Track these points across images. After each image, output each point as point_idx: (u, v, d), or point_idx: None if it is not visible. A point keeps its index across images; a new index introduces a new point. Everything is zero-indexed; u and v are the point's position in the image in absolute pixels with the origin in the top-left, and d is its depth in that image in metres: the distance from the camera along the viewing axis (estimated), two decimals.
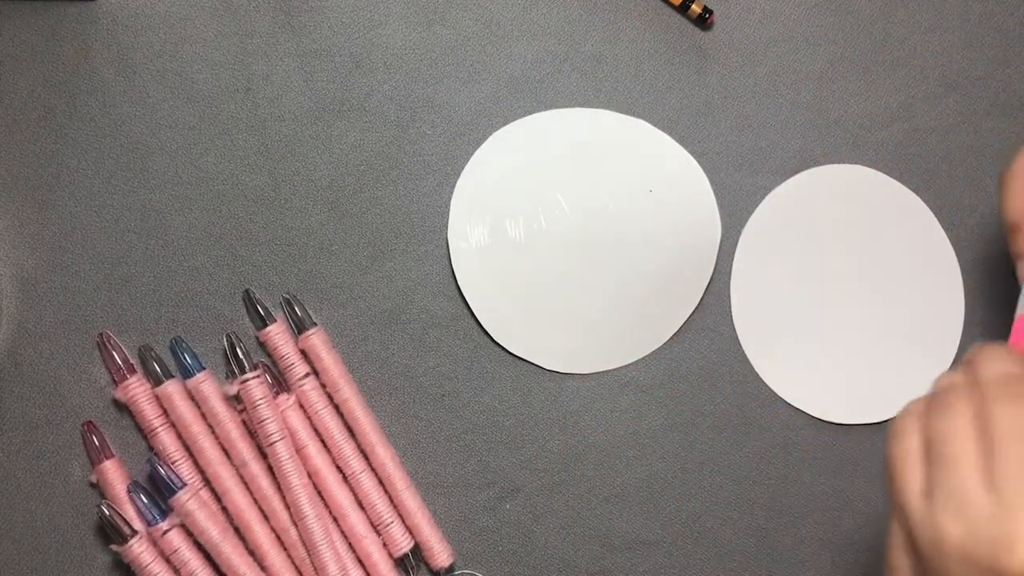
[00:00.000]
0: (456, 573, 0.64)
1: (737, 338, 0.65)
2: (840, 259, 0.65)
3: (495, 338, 0.64)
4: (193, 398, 0.62)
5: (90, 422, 0.63)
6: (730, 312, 0.65)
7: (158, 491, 0.61)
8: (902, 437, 0.45)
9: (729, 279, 0.65)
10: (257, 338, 0.63)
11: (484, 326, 0.64)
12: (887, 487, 0.46)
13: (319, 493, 0.62)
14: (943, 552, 0.42)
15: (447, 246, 0.64)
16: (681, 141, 0.65)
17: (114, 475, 0.61)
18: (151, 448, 0.62)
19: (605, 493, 0.64)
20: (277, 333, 0.63)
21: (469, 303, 0.64)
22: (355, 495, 0.63)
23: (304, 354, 0.63)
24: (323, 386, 0.63)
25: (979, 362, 0.46)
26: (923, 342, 0.65)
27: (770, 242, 0.65)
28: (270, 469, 0.62)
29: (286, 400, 0.62)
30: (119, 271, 0.64)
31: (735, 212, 0.65)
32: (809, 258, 0.65)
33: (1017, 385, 0.43)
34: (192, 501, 0.60)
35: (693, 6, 0.64)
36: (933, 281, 0.65)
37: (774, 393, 0.64)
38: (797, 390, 0.64)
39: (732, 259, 0.65)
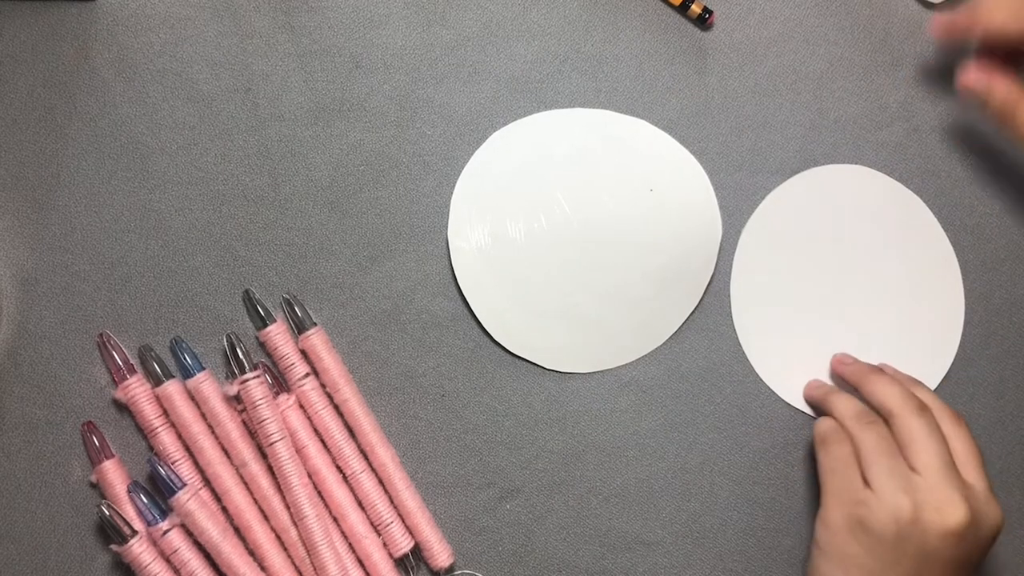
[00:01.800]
0: (456, 573, 0.64)
1: (737, 338, 0.65)
2: (840, 259, 0.65)
3: (495, 338, 0.64)
4: (193, 398, 0.62)
5: (90, 422, 0.63)
6: (730, 312, 0.65)
7: (158, 491, 0.61)
8: (838, 443, 0.58)
9: (729, 279, 0.65)
10: (257, 338, 0.63)
11: (484, 326, 0.64)
12: (825, 482, 0.58)
13: (319, 493, 0.62)
14: (900, 521, 0.55)
15: (447, 246, 0.64)
16: (681, 141, 0.65)
17: (114, 475, 0.61)
18: (151, 448, 0.62)
19: (605, 493, 0.64)
20: (277, 333, 0.63)
21: (469, 303, 0.64)
22: (355, 495, 0.63)
23: (304, 354, 0.63)
24: (323, 386, 0.63)
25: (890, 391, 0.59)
26: (923, 342, 0.65)
27: (770, 242, 0.65)
28: (270, 469, 0.62)
29: (286, 400, 0.62)
30: (119, 271, 0.64)
31: (735, 212, 0.65)
32: (809, 258, 0.65)
33: (911, 401, 0.58)
34: (192, 501, 0.60)
35: (693, 6, 0.64)
36: (933, 281, 0.65)
37: (774, 393, 0.64)
38: (797, 390, 0.64)
39: (732, 259, 0.65)
